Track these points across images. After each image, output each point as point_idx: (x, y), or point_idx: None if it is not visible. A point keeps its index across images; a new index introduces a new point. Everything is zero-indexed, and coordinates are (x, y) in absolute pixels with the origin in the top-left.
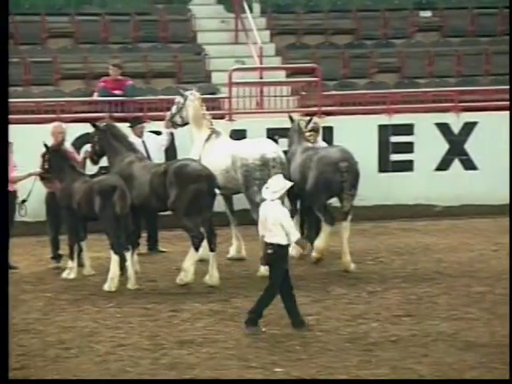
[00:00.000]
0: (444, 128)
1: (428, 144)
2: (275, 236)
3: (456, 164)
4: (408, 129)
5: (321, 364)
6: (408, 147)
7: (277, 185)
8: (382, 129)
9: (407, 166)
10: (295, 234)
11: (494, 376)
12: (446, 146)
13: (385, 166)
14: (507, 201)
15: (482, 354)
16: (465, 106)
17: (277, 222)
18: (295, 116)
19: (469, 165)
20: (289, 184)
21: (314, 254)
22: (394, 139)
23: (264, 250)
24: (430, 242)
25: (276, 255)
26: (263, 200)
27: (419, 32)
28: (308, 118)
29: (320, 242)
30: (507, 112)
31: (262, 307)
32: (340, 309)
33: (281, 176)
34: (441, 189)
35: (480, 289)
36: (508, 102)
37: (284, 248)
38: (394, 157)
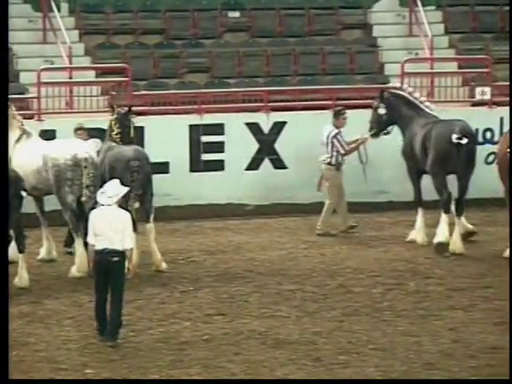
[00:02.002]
0: (254, 128)
1: (238, 143)
2: (120, 242)
3: (266, 163)
4: (219, 128)
5: (133, 364)
6: (219, 147)
7: (113, 190)
8: (193, 128)
9: (218, 166)
10: (130, 243)
11: (303, 374)
12: (256, 146)
13: (196, 165)
14: (316, 199)
15: (291, 351)
16: (274, 105)
17: (122, 228)
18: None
19: (278, 164)
20: (125, 189)
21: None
22: (205, 139)
23: (105, 258)
24: (241, 240)
25: (122, 262)
26: (94, 206)
27: (228, 32)
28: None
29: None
30: (315, 111)
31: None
32: (152, 309)
33: (117, 181)
34: (251, 188)
35: (290, 287)
36: (316, 102)
37: (124, 254)
38: (205, 156)
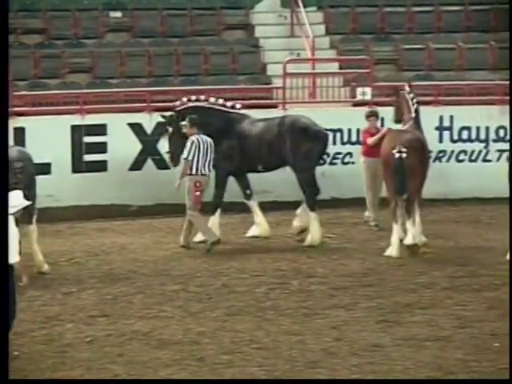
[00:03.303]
0: (137, 128)
1: (121, 144)
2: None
3: (149, 163)
4: (101, 129)
5: (15, 367)
6: (101, 147)
7: (13, 201)
8: (75, 129)
9: (101, 167)
10: (15, 257)
11: (186, 374)
12: (139, 146)
13: (78, 166)
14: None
15: (175, 351)
16: (157, 106)
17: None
18: None
19: (162, 164)
20: (26, 203)
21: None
22: (87, 139)
23: None
24: (125, 241)
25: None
26: None
27: (110, 32)
28: None
29: None
30: None
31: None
32: (34, 311)
33: (20, 193)
34: (135, 188)
35: (174, 287)
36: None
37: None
38: (88, 157)
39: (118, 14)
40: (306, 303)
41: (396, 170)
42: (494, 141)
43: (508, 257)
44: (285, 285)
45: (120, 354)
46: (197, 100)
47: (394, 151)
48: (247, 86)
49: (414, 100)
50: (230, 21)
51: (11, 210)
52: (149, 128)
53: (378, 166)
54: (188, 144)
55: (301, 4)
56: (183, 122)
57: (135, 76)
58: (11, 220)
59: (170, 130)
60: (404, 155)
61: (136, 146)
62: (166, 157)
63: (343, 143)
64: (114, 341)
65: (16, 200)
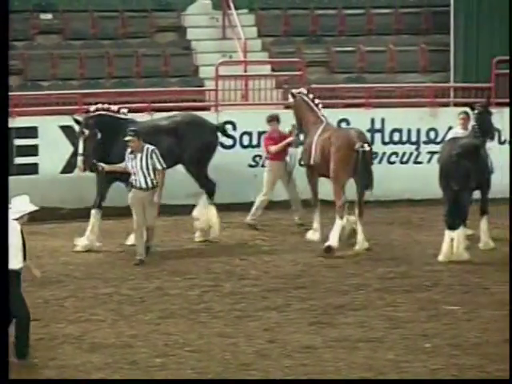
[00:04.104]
0: (68, 131)
1: (53, 147)
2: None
3: None
4: (32, 131)
5: None
6: (32, 150)
7: (19, 206)
8: None
9: (32, 169)
10: (18, 262)
11: (119, 377)
12: (70, 149)
13: (9, 169)
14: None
15: (108, 354)
16: (89, 108)
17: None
18: None
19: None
20: (32, 208)
21: None
22: (18, 142)
23: None
24: (56, 244)
25: (13, 282)
26: None
27: (41, 34)
28: None
29: None
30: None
31: (24, 338)
32: None
33: (27, 198)
34: (66, 191)
35: (106, 290)
36: (131, 105)
37: (16, 272)
38: (18, 160)
39: (49, 16)
40: (239, 305)
41: (362, 164)
42: (425, 143)
43: (440, 258)
44: (218, 287)
45: (52, 357)
46: (96, 109)
47: (357, 147)
48: (179, 89)
49: (317, 101)
50: (162, 23)
51: (15, 215)
52: None
53: (282, 168)
54: (157, 154)
55: (232, 6)
56: (128, 138)
57: (67, 78)
58: (16, 225)
59: (87, 132)
60: (367, 148)
61: (68, 149)
62: (78, 160)
63: None
64: (45, 344)
65: (22, 205)
